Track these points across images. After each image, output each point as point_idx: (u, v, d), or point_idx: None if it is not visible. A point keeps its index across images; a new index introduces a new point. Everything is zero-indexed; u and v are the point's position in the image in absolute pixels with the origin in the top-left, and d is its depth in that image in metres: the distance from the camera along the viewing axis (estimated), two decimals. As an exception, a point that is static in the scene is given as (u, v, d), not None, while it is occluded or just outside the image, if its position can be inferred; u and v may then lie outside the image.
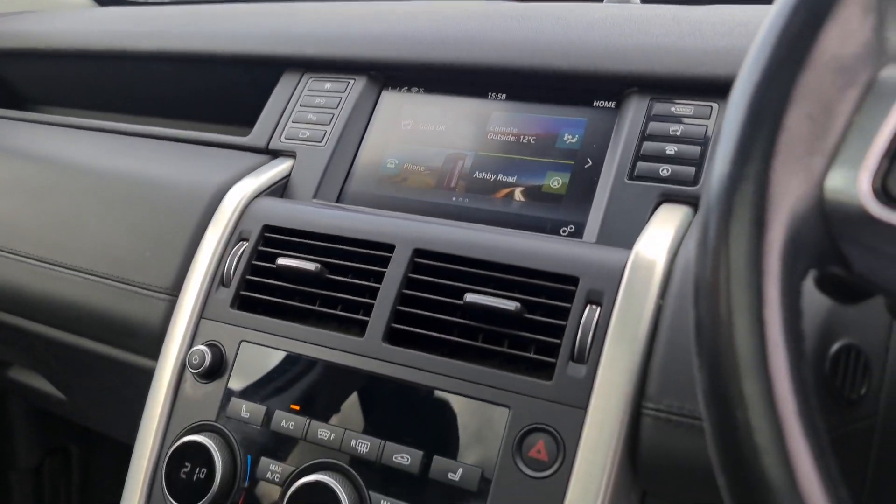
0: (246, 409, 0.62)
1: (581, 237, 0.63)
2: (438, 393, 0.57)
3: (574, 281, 0.56)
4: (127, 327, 0.72)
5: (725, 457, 0.31)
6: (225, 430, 0.62)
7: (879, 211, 0.30)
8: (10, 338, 0.89)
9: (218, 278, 0.68)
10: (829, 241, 0.31)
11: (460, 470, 0.54)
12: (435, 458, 0.55)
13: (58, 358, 0.86)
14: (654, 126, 0.64)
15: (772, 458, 0.29)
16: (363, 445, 0.57)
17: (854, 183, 0.31)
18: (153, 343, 0.69)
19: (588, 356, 0.53)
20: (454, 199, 0.70)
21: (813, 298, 0.49)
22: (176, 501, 0.61)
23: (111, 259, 0.74)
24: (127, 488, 0.65)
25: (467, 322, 0.58)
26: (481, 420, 0.55)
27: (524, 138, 0.70)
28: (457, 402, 0.56)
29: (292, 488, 0.57)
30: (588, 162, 0.66)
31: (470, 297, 0.57)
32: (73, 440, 1.54)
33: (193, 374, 0.64)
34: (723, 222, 0.31)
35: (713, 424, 0.31)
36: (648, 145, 0.63)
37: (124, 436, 1.07)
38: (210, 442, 0.61)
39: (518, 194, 0.68)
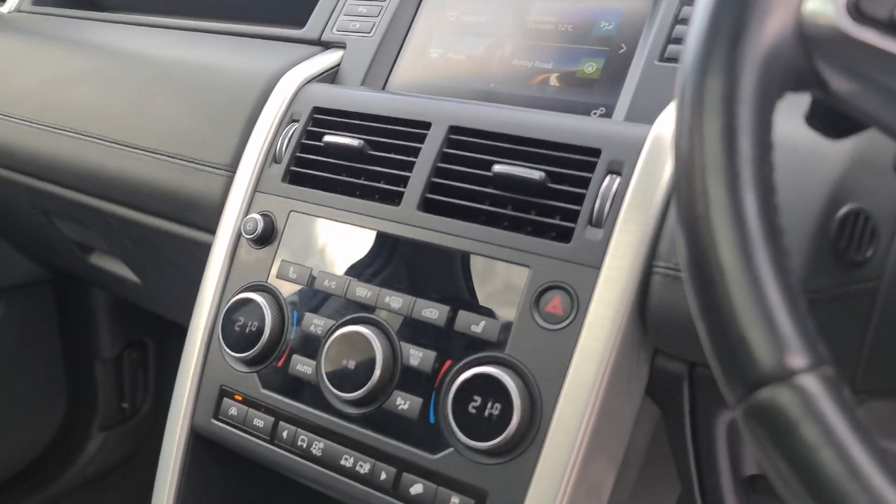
0: (293, 271, 0.68)
1: (611, 118, 0.66)
2: (465, 255, 0.61)
3: (596, 153, 0.59)
4: (190, 202, 0.78)
5: (693, 277, 0.32)
6: (274, 289, 0.68)
7: (853, 28, 0.32)
8: (90, 219, 0.98)
9: (271, 156, 0.73)
10: (807, 62, 0.33)
11: (482, 323, 0.58)
12: (460, 312, 0.59)
13: (131, 237, 0.94)
14: (688, 10, 0.65)
15: (736, 272, 0.30)
16: (396, 301, 0.62)
17: (831, 3, 0.32)
18: (213, 216, 0.75)
19: (605, 221, 0.57)
20: (492, 85, 0.73)
21: (822, 162, 0.51)
22: (230, 350, 0.68)
23: (176, 139, 0.80)
24: (188, 342, 0.72)
25: (495, 191, 0.61)
26: (503, 279, 0.59)
27: (562, 27, 0.72)
28: (481, 264, 0.60)
29: (331, 338, 0.63)
30: (622, 48, 0.68)
31: (498, 168, 0.61)
32: (149, 334, 1.66)
33: (248, 239, 0.70)
34: (702, 44, 0.33)
35: (683, 246, 0.32)
36: (680, 28, 0.64)
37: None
38: (261, 299, 0.67)
39: (553, 80, 0.71)
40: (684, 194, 0.32)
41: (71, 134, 0.89)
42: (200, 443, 0.71)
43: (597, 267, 0.56)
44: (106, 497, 1.58)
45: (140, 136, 0.83)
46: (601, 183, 0.58)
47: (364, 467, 0.60)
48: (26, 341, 1.51)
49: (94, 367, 1.62)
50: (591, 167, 0.59)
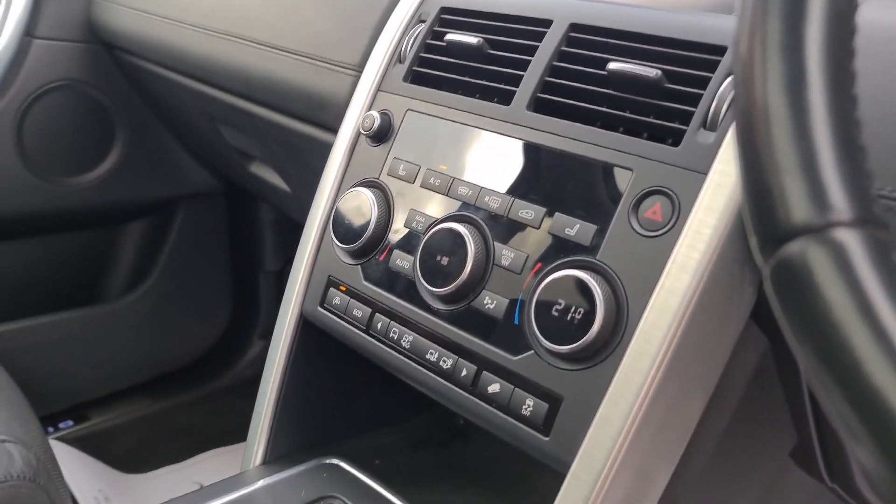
0: (403, 168, 0.68)
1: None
2: (568, 157, 0.58)
3: (721, 51, 0.53)
4: (321, 100, 0.81)
5: (737, 115, 0.27)
6: (384, 185, 0.69)
7: None
8: (245, 123, 1.04)
9: (396, 56, 0.73)
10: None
11: (577, 226, 0.55)
12: (556, 214, 0.57)
13: (277, 141, 0.99)
14: None
15: (781, 106, 0.26)
16: (494, 201, 0.61)
17: None
18: (339, 114, 0.77)
19: (720, 124, 0.52)
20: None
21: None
22: (339, 242, 0.69)
23: (314, 41, 0.82)
24: (304, 233, 0.75)
25: (607, 91, 0.58)
26: (604, 183, 0.56)
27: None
28: (583, 166, 0.57)
29: (429, 234, 0.62)
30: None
31: (614, 65, 0.57)
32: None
33: (365, 136, 0.71)
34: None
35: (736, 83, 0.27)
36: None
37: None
38: (370, 194, 0.68)
39: (694, -19, 0.65)
40: (741, 28, 0.28)
41: (229, 38, 0.94)
42: (308, 328, 0.74)
43: (704, 172, 0.51)
44: (260, 399, 1.70)
45: (284, 37, 0.86)
46: (720, 84, 0.52)
47: (447, 362, 0.60)
48: (200, 248, 1.64)
49: (258, 279, 1.74)
50: (712, 66, 0.53)
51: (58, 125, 1.33)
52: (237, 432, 1.62)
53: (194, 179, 1.55)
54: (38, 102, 1.29)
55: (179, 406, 1.65)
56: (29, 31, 1.26)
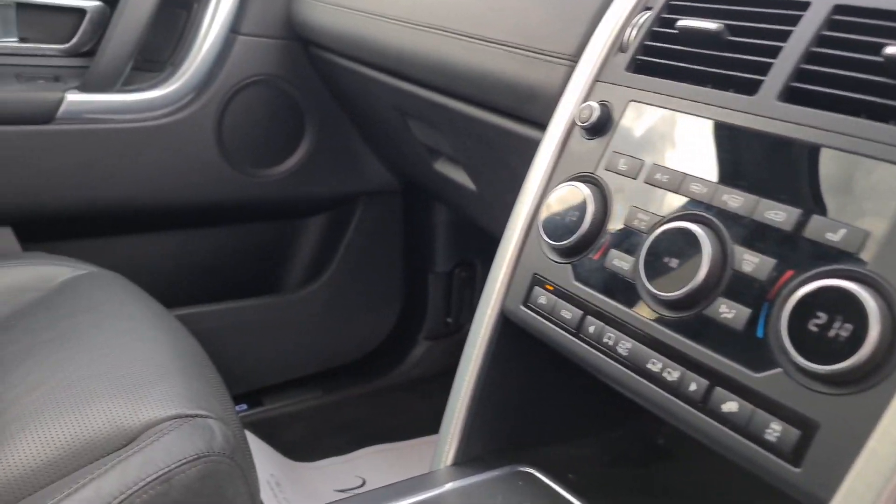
0: (624, 163, 0.63)
1: None
2: (827, 151, 0.51)
3: None
4: (530, 93, 0.78)
5: None
6: (601, 180, 0.64)
7: None
8: (439, 118, 1.03)
9: (617, 45, 0.69)
10: None
11: (842, 231, 0.48)
12: (813, 217, 0.50)
13: (472, 137, 0.97)
14: None
15: None
16: (735, 200, 0.54)
17: None
18: (549, 107, 0.73)
19: None
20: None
21: None
22: (548, 238, 0.66)
23: (525, 31, 0.79)
24: (508, 227, 0.72)
25: (877, 79, 0.50)
26: (872, 181, 0.48)
27: None
28: (845, 162, 0.50)
29: (655, 233, 0.57)
30: None
31: (891, 49, 0.49)
32: (478, 255, 1.74)
33: (581, 128, 0.67)
34: None
35: None
36: None
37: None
38: (586, 189, 0.64)
39: None
40: None
41: (431, 30, 0.94)
42: (508, 327, 0.70)
43: None
44: (423, 400, 1.71)
45: (492, 28, 0.84)
46: None
47: (672, 374, 0.55)
48: (375, 245, 1.67)
49: (427, 279, 1.74)
50: None
51: (253, 119, 1.39)
52: (400, 430, 1.63)
53: (374, 177, 1.58)
54: (237, 96, 1.36)
55: (346, 400, 1.68)
56: (234, 27, 1.32)
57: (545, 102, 0.75)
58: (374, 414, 1.65)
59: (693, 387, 0.53)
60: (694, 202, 0.57)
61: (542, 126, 0.77)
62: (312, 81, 1.42)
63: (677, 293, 0.54)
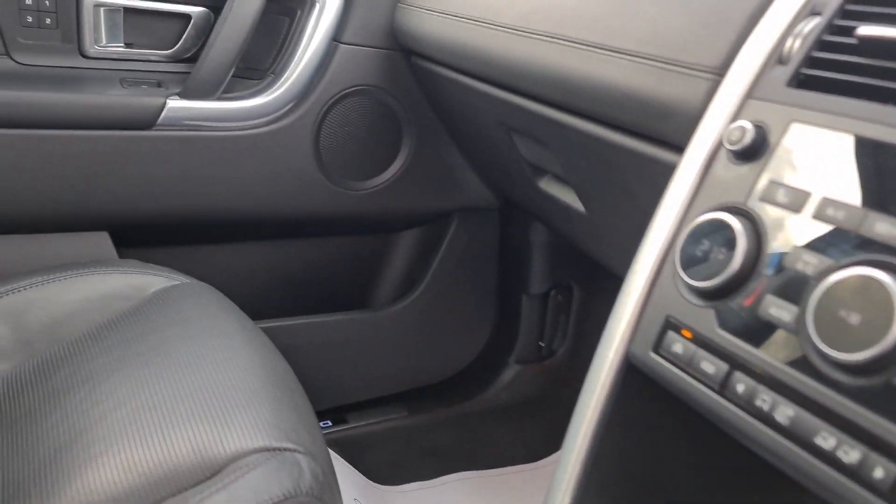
0: (784, 194, 0.54)
1: None
2: None
3: None
4: (664, 110, 0.69)
5: None
6: (753, 212, 0.55)
7: None
8: (550, 135, 0.95)
9: (775, 56, 0.60)
10: None
11: None
12: None
13: (588, 157, 0.89)
14: None
15: None
16: (936, 245, 0.45)
17: None
18: (686, 127, 0.65)
19: None
20: None
21: None
22: (688, 277, 0.57)
23: (659, 40, 0.71)
24: (636, 262, 0.63)
25: None
26: None
27: None
28: None
29: (828, 280, 0.48)
30: None
31: None
32: (576, 279, 1.65)
33: (729, 152, 0.58)
34: None
35: None
36: None
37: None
38: (736, 223, 0.55)
39: None
40: None
41: (550, 39, 0.86)
42: (633, 375, 0.62)
43: None
44: (511, 426, 1.63)
45: (619, 37, 0.76)
46: None
47: (850, 454, 0.45)
48: (468, 263, 1.60)
49: (520, 301, 1.67)
50: None
51: (351, 130, 1.35)
52: (487, 456, 1.56)
53: (470, 192, 1.51)
54: (336, 106, 1.32)
55: (432, 422, 1.62)
56: (336, 36, 1.28)
57: (682, 121, 0.66)
58: (459, 438, 1.58)
59: (880, 473, 0.43)
60: (880, 246, 0.48)
61: (677, 147, 0.69)
62: (412, 93, 1.37)
63: (860, 356, 0.45)
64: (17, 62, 1.19)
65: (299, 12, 1.28)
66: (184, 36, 1.29)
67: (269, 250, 1.49)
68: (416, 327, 1.58)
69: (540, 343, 1.69)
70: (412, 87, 1.36)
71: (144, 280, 1.01)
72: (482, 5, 1.04)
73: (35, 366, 0.87)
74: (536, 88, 0.92)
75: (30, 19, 1.18)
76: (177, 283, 1.02)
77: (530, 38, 0.90)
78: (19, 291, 0.96)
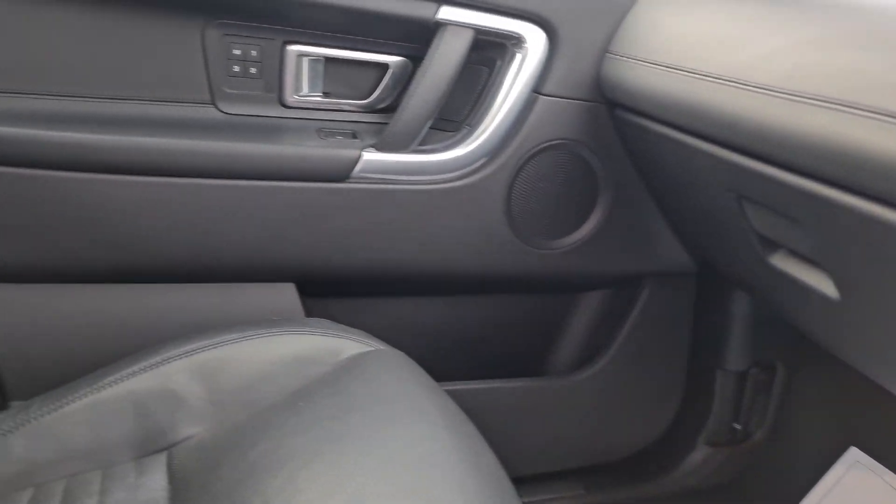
0: None
1: None
2: None
3: None
4: None
5: None
6: None
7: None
8: (799, 208, 0.82)
9: None
10: None
11: None
12: None
13: (846, 232, 0.75)
14: None
15: None
16: None
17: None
18: None
19: None
20: None
21: None
22: None
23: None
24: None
25: None
26: None
27: None
28: None
29: None
30: None
31: None
32: (782, 358, 1.48)
33: None
34: None
35: None
36: None
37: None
38: None
39: None
40: None
41: (789, 96, 0.74)
42: None
43: None
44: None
45: (885, 94, 0.62)
46: None
47: None
48: (658, 331, 1.47)
49: (714, 377, 1.51)
50: None
51: (545, 186, 1.26)
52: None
53: (667, 256, 1.38)
54: (532, 161, 1.24)
55: (610, 503, 1.48)
56: (537, 87, 1.20)
57: None
58: (641, 527, 1.44)
59: None
60: None
61: None
62: (613, 147, 1.27)
63: None
64: (221, 111, 1.20)
65: (499, 62, 1.22)
66: (381, 86, 1.26)
67: (447, 305, 1.42)
68: (597, 399, 1.46)
69: (735, 425, 1.52)
70: (613, 142, 1.27)
71: (336, 343, 0.96)
72: (709, 55, 0.92)
73: (229, 433, 0.83)
74: (777, 152, 0.79)
75: (236, 69, 1.19)
76: (370, 349, 0.96)
77: (765, 94, 0.78)
78: (214, 349, 0.93)
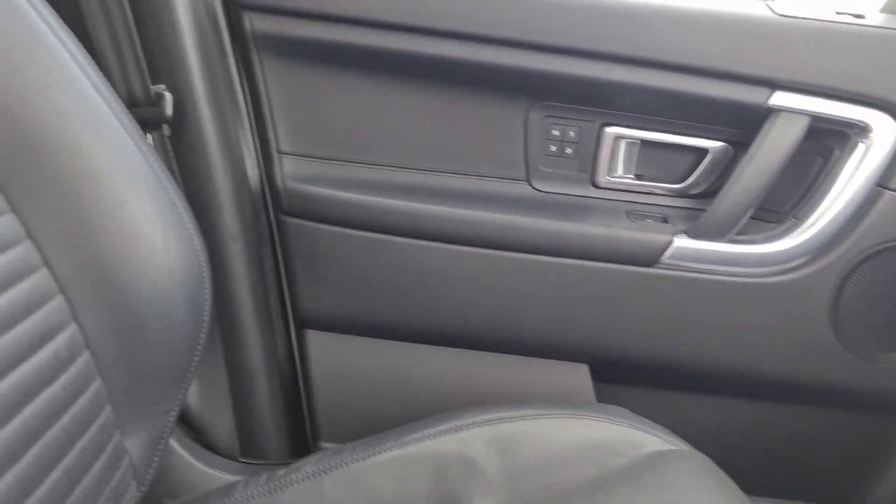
0: None
1: None
2: None
3: None
4: None
5: None
6: None
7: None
8: None
9: None
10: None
11: None
12: None
13: None
14: None
15: None
16: None
17: None
18: None
19: None
20: None
21: None
22: None
23: None
24: None
25: None
26: None
27: None
28: None
29: None
30: None
31: None
32: None
33: None
34: None
35: None
36: None
37: None
38: None
39: None
40: None
41: None
42: None
43: None
44: None
45: None
46: None
47: None
48: None
49: None
50: None
51: (884, 291, 1.12)
52: None
53: None
54: (869, 261, 1.10)
55: None
56: (882, 181, 1.08)
57: None
58: None
59: None
60: None
61: None
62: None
63: None
64: (534, 188, 1.23)
65: (837, 151, 1.11)
66: (698, 170, 1.21)
67: (752, 410, 1.30)
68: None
69: None
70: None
71: (637, 437, 0.91)
72: None
73: (525, 512, 0.82)
74: None
75: (553, 148, 1.22)
76: (673, 448, 0.90)
77: None
78: (513, 422, 0.93)
